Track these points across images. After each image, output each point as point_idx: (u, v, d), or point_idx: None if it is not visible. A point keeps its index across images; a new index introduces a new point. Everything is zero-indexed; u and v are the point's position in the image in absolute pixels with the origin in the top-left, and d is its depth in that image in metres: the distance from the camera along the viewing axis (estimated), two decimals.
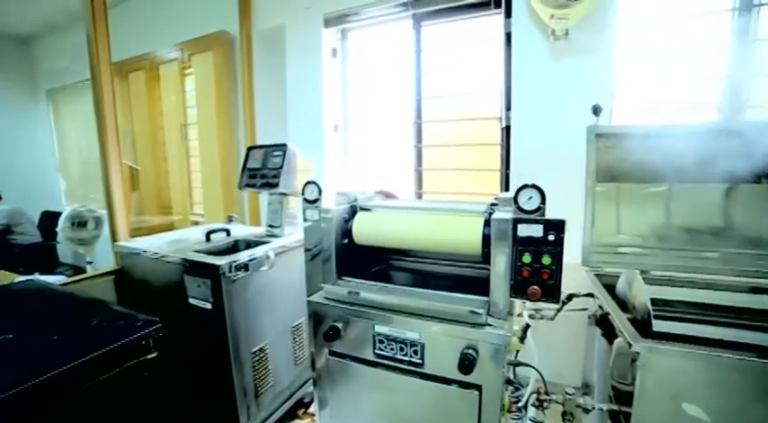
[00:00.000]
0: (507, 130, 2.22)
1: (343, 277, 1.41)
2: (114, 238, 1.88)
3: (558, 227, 1.05)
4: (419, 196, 2.50)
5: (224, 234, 1.91)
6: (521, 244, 1.08)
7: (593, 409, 1.12)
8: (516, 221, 1.08)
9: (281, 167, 1.82)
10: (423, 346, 1.18)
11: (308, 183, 1.42)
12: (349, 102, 2.85)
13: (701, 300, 1.31)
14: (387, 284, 1.32)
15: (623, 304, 1.23)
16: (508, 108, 2.21)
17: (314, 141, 2.69)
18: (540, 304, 1.95)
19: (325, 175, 2.65)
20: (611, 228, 1.58)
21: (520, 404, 1.44)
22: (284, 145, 1.87)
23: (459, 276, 1.41)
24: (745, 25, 1.90)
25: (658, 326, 1.03)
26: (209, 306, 1.53)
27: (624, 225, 1.61)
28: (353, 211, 1.45)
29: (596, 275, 1.44)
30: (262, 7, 2.84)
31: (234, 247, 1.82)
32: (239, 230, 2.08)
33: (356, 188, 1.56)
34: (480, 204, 1.27)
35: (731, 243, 1.53)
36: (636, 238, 1.60)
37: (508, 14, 2.22)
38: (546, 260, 1.06)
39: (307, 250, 1.43)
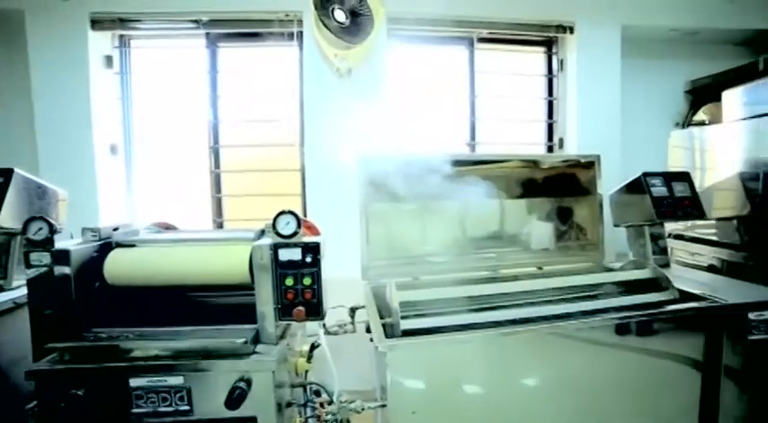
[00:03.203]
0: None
1: (93, 329, 1.17)
2: None
3: (314, 249, 1.14)
4: (219, 225, 2.35)
5: None
6: (282, 268, 1.12)
7: (363, 409, 1.23)
8: (276, 247, 1.12)
9: (3, 198, 1.42)
10: (189, 391, 1.07)
11: (32, 219, 1.14)
12: (133, 121, 2.48)
13: (459, 294, 1.58)
14: (146, 328, 1.16)
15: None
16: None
17: (81, 165, 2.22)
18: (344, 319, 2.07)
19: (100, 206, 2.21)
20: (389, 243, 1.82)
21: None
22: (10, 170, 1.47)
23: (235, 306, 1.36)
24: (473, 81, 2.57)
25: (405, 325, 1.22)
26: None
27: (401, 239, 1.87)
28: (108, 249, 1.23)
29: (375, 287, 1.62)
30: None
31: None
32: None
33: (123, 220, 1.36)
34: (249, 231, 1.27)
35: (502, 244, 2.01)
36: (411, 250, 1.88)
37: (302, 48, 2.38)
38: (307, 281, 1.13)
39: (32, 305, 1.14)
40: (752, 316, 1.38)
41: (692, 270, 2.04)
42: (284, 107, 2.46)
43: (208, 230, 1.40)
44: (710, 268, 2.11)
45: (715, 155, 2.13)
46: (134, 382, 1.07)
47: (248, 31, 2.44)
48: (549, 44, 2.83)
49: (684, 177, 1.98)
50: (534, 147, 2.84)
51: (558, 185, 2.15)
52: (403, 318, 1.23)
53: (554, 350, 1.28)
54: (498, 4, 2.52)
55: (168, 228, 1.60)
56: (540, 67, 2.88)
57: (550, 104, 2.83)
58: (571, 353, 1.30)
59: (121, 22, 2.31)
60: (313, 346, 1.45)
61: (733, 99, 2.10)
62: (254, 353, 1.09)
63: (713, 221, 2.13)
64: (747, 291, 1.52)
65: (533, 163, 2.18)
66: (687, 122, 3.09)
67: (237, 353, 1.07)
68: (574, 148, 2.69)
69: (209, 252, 1.22)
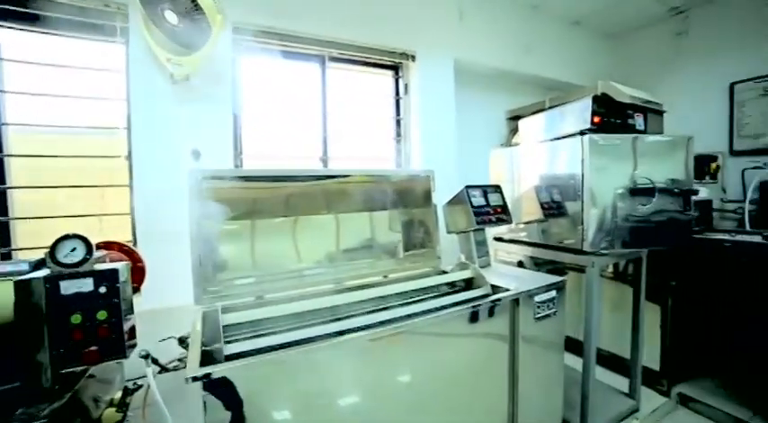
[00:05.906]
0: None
1: None
2: None
3: (110, 277, 0.98)
4: (6, 256, 1.86)
5: None
6: (66, 304, 0.94)
7: None
8: (57, 279, 0.93)
9: None
10: None
11: None
12: None
13: (295, 310, 1.55)
14: None
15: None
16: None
17: None
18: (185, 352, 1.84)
19: None
20: (229, 263, 1.70)
21: None
22: None
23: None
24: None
25: (228, 349, 1.15)
26: None
27: (242, 258, 1.76)
28: None
29: (208, 312, 1.48)
30: None
31: None
32: None
33: None
34: (22, 263, 1.03)
35: (350, 256, 2.04)
36: (253, 269, 1.77)
37: (129, 46, 2.09)
38: (102, 315, 0.97)
39: None
40: (536, 299, 1.73)
41: (507, 266, 2.46)
42: (108, 112, 2.11)
43: None
44: (519, 264, 2.58)
45: (521, 170, 2.63)
46: None
47: (52, 15, 2.01)
48: (396, 69, 3.11)
49: (498, 189, 2.39)
50: (385, 162, 3.06)
51: (402, 198, 2.34)
52: (229, 342, 1.16)
53: (392, 352, 1.38)
54: (348, 28, 2.66)
55: None
56: (389, 89, 3.13)
57: (399, 123, 3.10)
58: (405, 351, 1.41)
59: None
60: (127, 391, 1.24)
61: (526, 126, 2.63)
62: (14, 419, 0.87)
63: (522, 225, 2.62)
64: (538, 279, 1.90)
65: (378, 178, 2.33)
66: (508, 143, 3.77)
67: None
68: (419, 163, 2.99)
69: None
